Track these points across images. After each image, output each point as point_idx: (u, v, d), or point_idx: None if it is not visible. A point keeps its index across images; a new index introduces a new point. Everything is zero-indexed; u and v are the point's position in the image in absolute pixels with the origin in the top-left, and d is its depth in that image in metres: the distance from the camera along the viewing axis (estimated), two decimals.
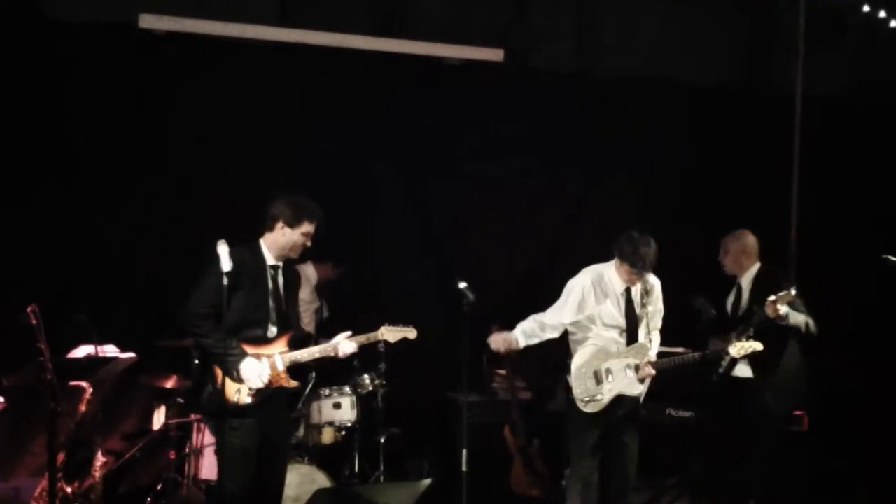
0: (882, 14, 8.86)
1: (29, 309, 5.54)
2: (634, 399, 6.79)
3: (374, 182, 8.77)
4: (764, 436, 7.50)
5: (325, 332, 7.91)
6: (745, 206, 9.28)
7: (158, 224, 8.05)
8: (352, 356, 7.71)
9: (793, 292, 7.07)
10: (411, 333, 6.54)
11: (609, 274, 6.77)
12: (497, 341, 6.89)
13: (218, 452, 6.12)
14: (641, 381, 6.71)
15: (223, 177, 8.14)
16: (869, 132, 9.63)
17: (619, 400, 6.69)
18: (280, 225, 6.13)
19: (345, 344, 6.29)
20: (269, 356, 6.10)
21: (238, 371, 5.91)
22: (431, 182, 8.89)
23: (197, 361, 6.71)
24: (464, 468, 6.71)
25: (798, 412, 7.73)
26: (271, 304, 6.14)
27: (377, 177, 8.78)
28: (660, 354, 6.87)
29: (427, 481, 6.82)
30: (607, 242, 6.86)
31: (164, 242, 7.85)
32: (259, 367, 5.97)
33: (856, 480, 8.32)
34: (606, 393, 6.65)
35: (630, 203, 9.26)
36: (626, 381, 6.68)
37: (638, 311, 6.76)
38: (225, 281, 5.81)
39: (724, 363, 7.31)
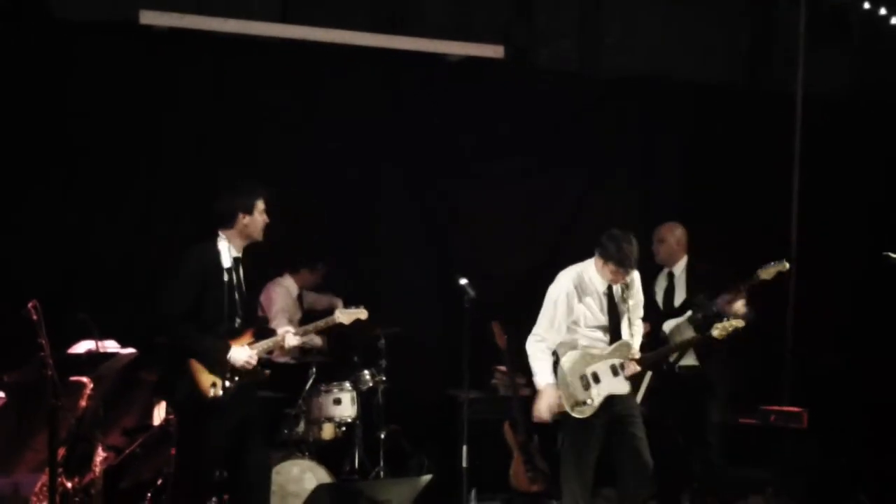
0: (882, 12, 8.86)
1: (30, 304, 5.55)
2: (628, 395, 6.68)
3: (375, 180, 8.76)
4: (718, 423, 7.60)
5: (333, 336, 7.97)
6: (745, 205, 9.30)
7: (158, 224, 8.03)
8: (352, 354, 7.86)
9: (786, 265, 7.15)
10: (362, 314, 6.67)
11: (589, 274, 6.62)
12: (543, 409, 6.55)
13: (195, 446, 6.13)
14: (629, 378, 6.66)
15: (224, 176, 8.11)
16: (870, 131, 9.64)
17: (611, 400, 6.56)
18: (241, 216, 6.18)
19: (289, 337, 6.36)
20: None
21: (229, 361, 5.99)
22: (433, 181, 8.88)
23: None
24: (464, 464, 6.72)
25: (797, 409, 7.72)
26: (237, 296, 6.20)
27: (379, 175, 8.77)
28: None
29: (427, 477, 6.86)
30: None
31: (164, 242, 7.83)
32: (247, 352, 6.07)
33: (856, 480, 8.30)
34: (595, 397, 6.52)
35: (630, 203, 9.24)
36: (614, 382, 6.58)
37: (620, 307, 6.65)
38: (225, 277, 5.94)
39: (674, 355, 7.44)
